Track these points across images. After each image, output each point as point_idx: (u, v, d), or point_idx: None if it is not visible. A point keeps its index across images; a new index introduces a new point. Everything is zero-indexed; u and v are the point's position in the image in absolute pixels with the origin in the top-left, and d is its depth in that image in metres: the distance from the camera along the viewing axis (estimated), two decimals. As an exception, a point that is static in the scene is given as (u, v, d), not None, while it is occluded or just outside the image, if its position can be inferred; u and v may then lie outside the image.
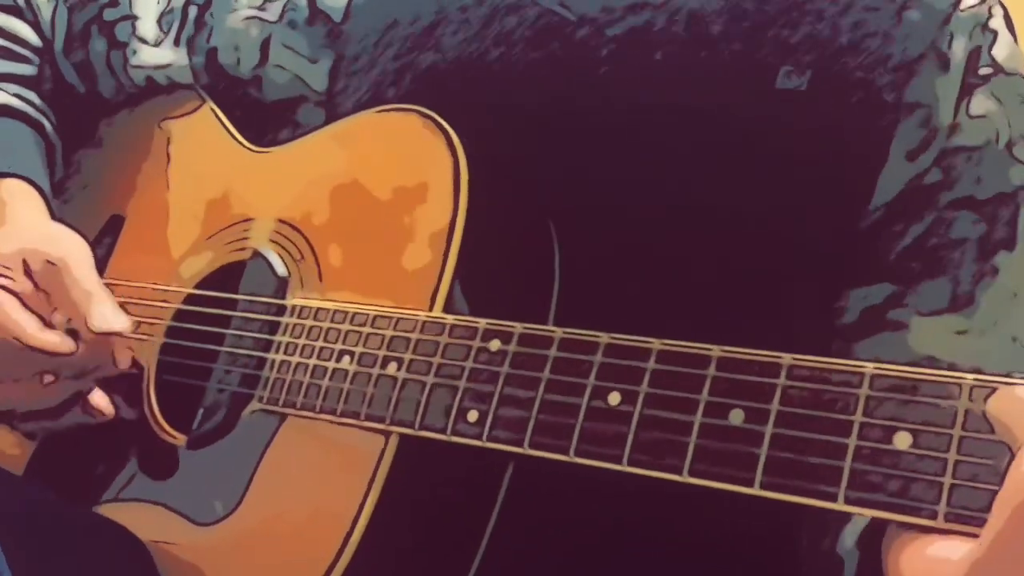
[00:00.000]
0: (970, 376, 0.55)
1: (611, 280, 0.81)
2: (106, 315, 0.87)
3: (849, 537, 0.72)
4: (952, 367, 0.60)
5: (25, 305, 0.89)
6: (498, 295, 0.77)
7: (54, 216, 1.00)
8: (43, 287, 0.91)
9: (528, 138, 0.84)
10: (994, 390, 0.54)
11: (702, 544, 0.80)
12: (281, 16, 1.00)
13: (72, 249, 0.91)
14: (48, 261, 0.89)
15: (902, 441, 0.56)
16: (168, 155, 1.04)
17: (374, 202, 0.84)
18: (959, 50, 0.79)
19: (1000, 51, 0.79)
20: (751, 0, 0.82)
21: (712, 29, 0.83)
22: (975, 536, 0.52)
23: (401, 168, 0.83)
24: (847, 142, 0.79)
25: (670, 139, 0.82)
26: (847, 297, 0.80)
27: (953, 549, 0.53)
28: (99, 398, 0.92)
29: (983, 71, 0.78)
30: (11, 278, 0.90)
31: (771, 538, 0.80)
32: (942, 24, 0.79)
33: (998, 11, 0.80)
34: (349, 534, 0.73)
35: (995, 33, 0.79)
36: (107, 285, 0.97)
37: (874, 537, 0.67)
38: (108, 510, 0.89)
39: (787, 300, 0.80)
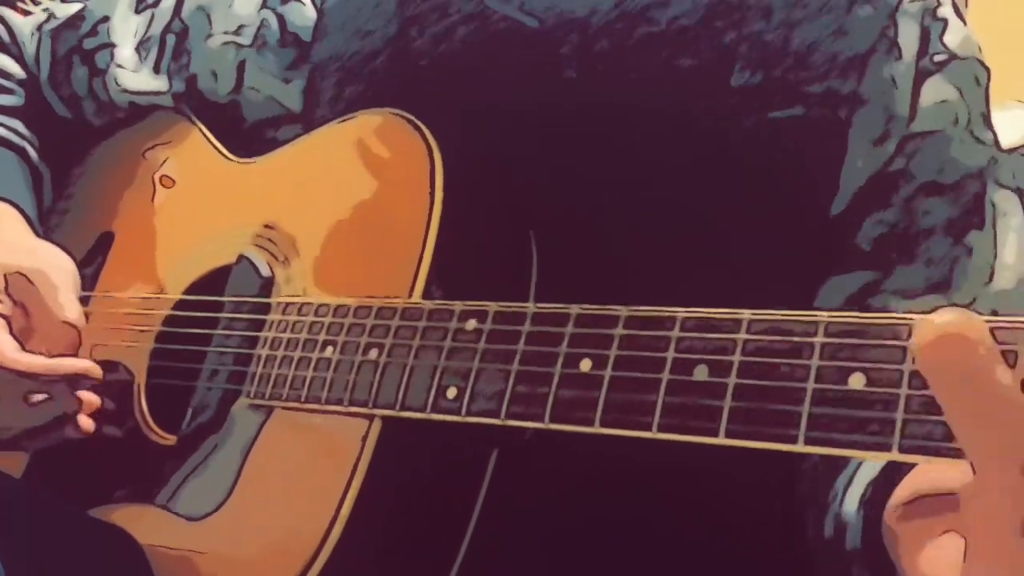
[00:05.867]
0: (918, 317, 0.58)
1: (588, 275, 0.83)
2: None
3: (851, 502, 0.72)
4: None
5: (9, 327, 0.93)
6: (476, 286, 0.79)
7: (38, 236, 1.03)
8: (19, 299, 0.94)
9: (502, 138, 0.87)
10: None
11: (704, 522, 0.81)
12: (255, 40, 1.03)
13: (49, 260, 0.94)
14: (20, 273, 0.93)
15: (857, 381, 0.58)
16: (157, 174, 1.07)
17: (354, 201, 0.86)
18: (910, 39, 0.81)
19: (952, 38, 0.81)
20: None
21: (665, 28, 0.85)
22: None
23: (379, 166, 0.86)
24: (807, 135, 0.81)
25: (637, 138, 0.85)
26: (825, 287, 0.81)
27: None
28: (83, 420, 0.94)
29: (937, 58, 0.80)
30: None
31: (774, 516, 0.81)
32: (891, 15, 0.81)
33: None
34: (335, 517, 0.74)
35: (945, 21, 0.81)
36: (98, 298, 1.00)
37: (876, 495, 0.67)
38: (104, 512, 0.90)
39: (768, 295, 0.82)
